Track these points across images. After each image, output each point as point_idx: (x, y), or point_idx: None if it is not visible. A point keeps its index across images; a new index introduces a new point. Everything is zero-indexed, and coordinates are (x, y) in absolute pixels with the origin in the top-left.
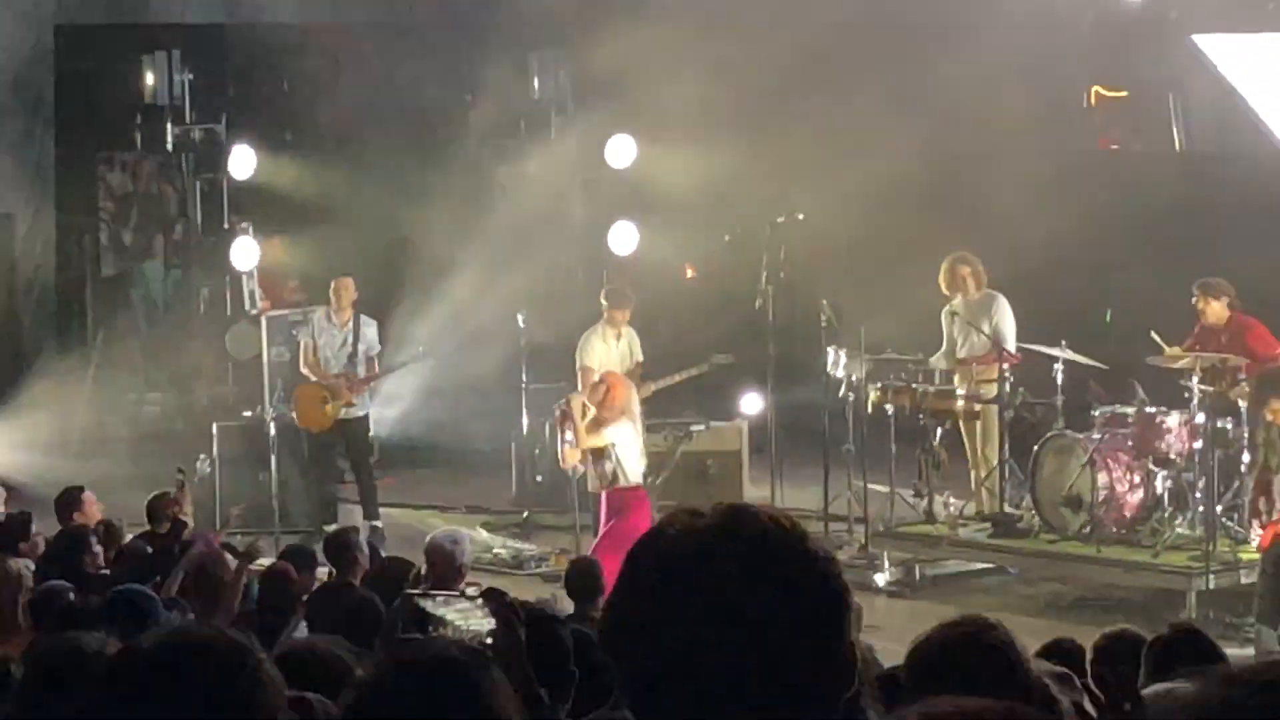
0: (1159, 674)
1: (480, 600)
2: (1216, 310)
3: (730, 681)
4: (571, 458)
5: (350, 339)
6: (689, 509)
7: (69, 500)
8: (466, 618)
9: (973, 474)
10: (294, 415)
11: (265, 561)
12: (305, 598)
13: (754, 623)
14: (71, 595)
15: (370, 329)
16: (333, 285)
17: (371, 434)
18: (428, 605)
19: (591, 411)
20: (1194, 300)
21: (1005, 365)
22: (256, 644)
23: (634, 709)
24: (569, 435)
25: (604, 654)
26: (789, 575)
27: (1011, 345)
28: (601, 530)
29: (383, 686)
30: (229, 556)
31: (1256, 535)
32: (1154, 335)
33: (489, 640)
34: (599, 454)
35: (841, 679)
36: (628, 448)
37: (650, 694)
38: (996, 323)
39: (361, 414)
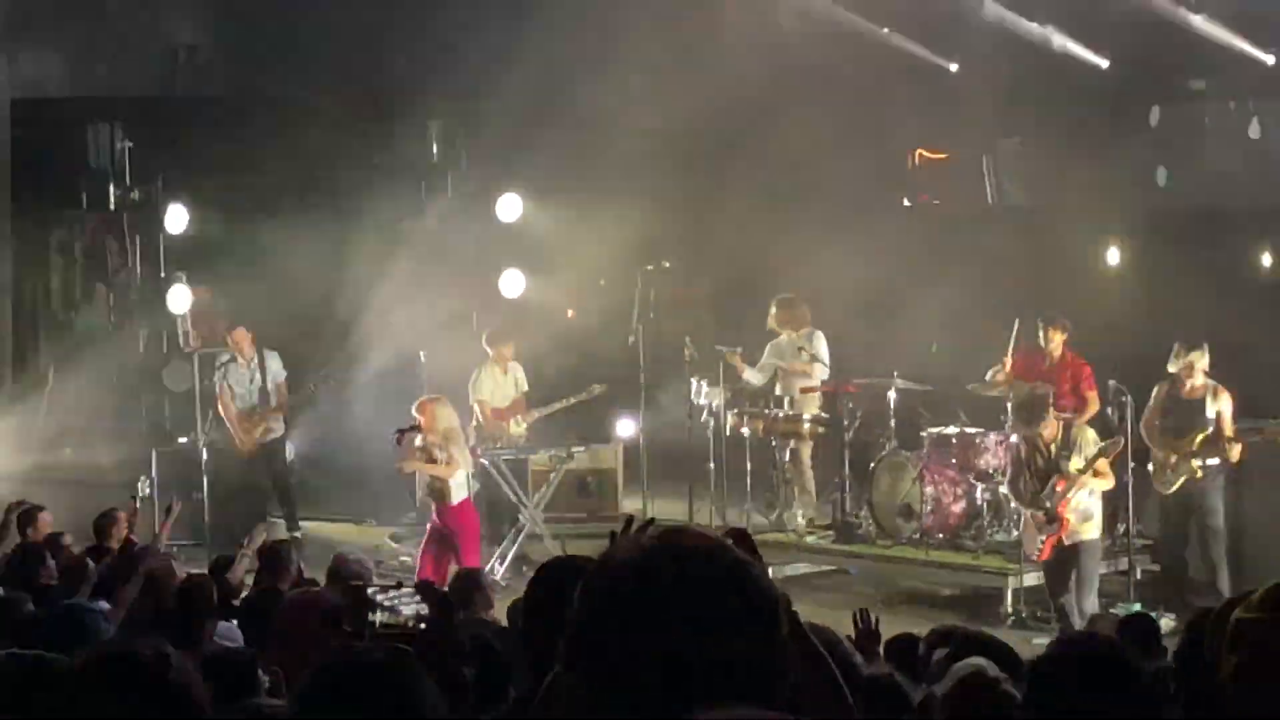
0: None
1: (415, 591)
2: (1056, 341)
3: (683, 680)
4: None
5: (257, 374)
6: (634, 536)
7: (26, 518)
8: (402, 605)
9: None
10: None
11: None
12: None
13: (697, 624)
14: (30, 606)
15: (274, 361)
16: (231, 339)
17: (291, 456)
18: (369, 593)
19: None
20: (1038, 329)
21: (848, 391)
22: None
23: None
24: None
25: (566, 669)
26: (724, 580)
27: (826, 372)
28: (462, 543)
29: (319, 691)
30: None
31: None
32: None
33: (422, 625)
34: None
35: (782, 664)
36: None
37: (614, 700)
38: (817, 352)
39: (279, 435)
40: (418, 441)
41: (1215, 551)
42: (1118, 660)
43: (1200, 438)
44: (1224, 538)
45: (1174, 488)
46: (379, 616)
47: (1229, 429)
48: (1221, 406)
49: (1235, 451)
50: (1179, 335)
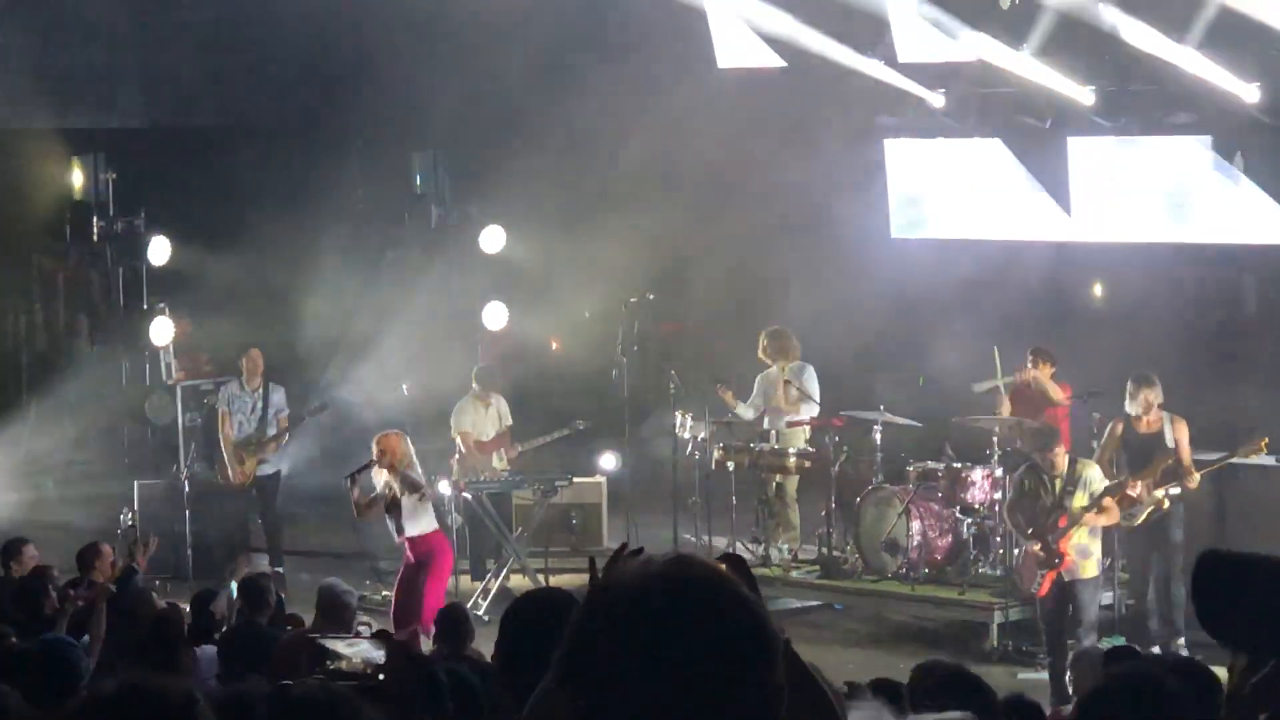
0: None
1: (374, 639)
2: (1044, 373)
3: (678, 711)
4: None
5: (259, 404)
6: (639, 559)
7: (10, 550)
8: (359, 652)
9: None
10: (217, 473)
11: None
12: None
13: (695, 656)
14: (13, 639)
15: (278, 394)
16: (244, 357)
17: (280, 488)
18: (325, 643)
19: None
20: (1028, 362)
21: (834, 425)
22: (199, 691)
23: None
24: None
25: (566, 693)
26: (727, 615)
27: (816, 408)
28: (432, 571)
29: None
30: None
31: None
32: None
33: (380, 675)
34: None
35: (776, 698)
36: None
37: None
38: (806, 386)
39: (274, 470)
40: (383, 479)
41: (1175, 584)
42: (1168, 694)
43: (1162, 467)
44: (1182, 569)
45: (1139, 520)
46: (341, 664)
47: (1186, 457)
48: (1179, 435)
49: (1194, 480)
50: (1131, 372)
